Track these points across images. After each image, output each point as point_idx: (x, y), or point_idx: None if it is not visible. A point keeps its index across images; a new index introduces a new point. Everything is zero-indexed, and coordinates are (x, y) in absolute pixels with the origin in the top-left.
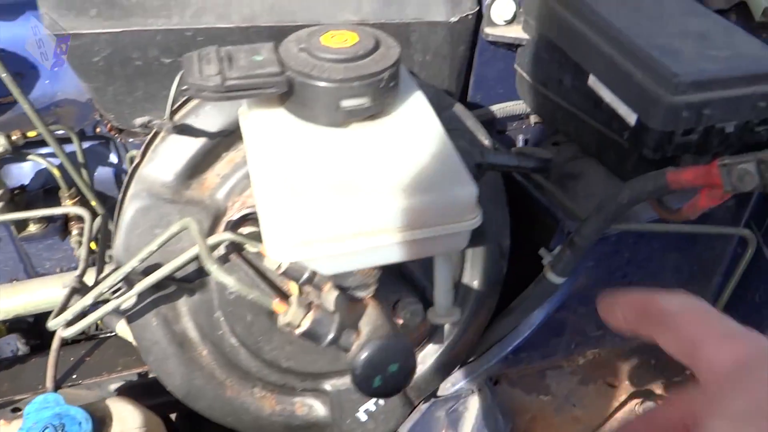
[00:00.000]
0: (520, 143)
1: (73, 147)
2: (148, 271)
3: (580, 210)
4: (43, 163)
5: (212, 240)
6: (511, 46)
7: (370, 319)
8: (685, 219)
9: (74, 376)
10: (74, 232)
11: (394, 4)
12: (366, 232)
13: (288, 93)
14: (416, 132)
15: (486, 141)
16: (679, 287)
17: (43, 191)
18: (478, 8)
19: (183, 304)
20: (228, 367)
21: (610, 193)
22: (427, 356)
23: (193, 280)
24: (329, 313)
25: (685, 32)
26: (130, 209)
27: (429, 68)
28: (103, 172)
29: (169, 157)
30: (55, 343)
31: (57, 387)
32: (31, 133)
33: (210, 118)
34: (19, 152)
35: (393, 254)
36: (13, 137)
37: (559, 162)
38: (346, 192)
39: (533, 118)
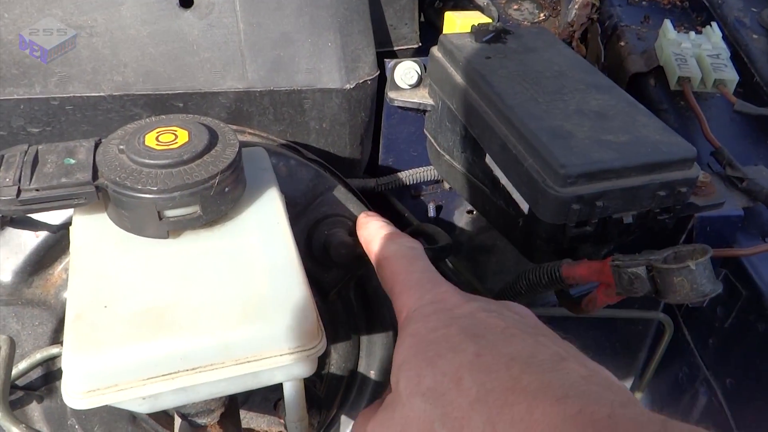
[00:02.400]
0: (431, 211)
1: None
2: None
3: (488, 290)
4: None
5: (25, 364)
6: (420, 111)
7: None
8: (584, 314)
9: None
10: None
11: (282, 70)
12: (178, 372)
13: (107, 199)
14: (257, 243)
15: None
16: (602, 364)
17: None
18: (377, 73)
19: (34, 410)
20: None
21: (508, 281)
22: None
23: (38, 386)
24: None
25: (583, 111)
26: None
27: (327, 136)
28: None
29: (3, 253)
30: None
31: None
32: None
33: None
34: None
35: (218, 390)
36: None
37: (472, 233)
38: (155, 328)
39: (447, 183)
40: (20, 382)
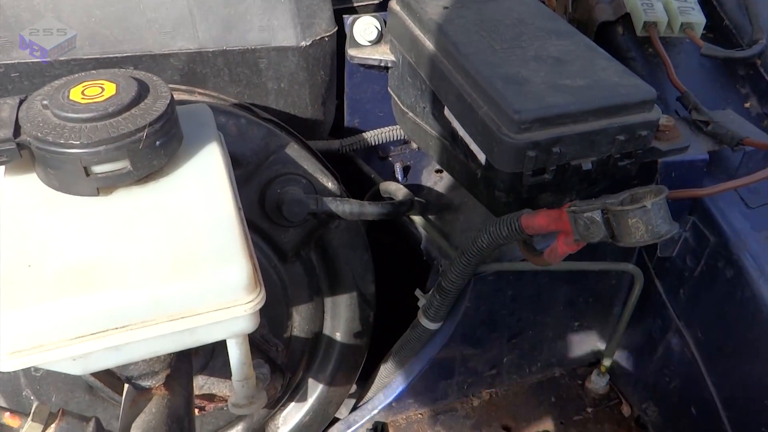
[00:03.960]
0: (398, 172)
1: None
2: None
3: (455, 248)
4: None
5: None
6: (382, 68)
7: (143, 420)
8: (547, 264)
9: None
10: None
11: (234, 29)
12: (107, 330)
13: (34, 158)
14: (193, 198)
15: (329, 184)
16: (575, 320)
17: None
18: (335, 29)
19: None
20: None
21: (470, 237)
22: (290, 416)
23: None
24: (80, 422)
25: (541, 57)
26: None
27: (287, 96)
28: None
29: None
30: None
31: None
32: None
33: None
34: None
35: (155, 349)
36: None
37: (440, 192)
38: (81, 285)
39: (414, 143)
40: None
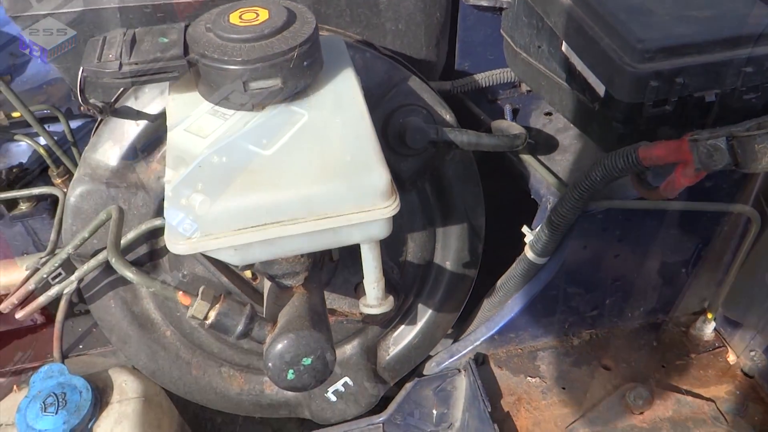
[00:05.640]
0: (507, 114)
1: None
2: (96, 254)
3: (564, 185)
4: (30, 143)
5: (132, 234)
6: (496, 10)
7: (288, 311)
8: (663, 198)
9: (81, 346)
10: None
11: None
12: (265, 224)
13: (197, 76)
14: (334, 115)
15: (447, 116)
16: (683, 267)
17: (40, 170)
18: None
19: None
20: (192, 347)
21: (583, 171)
22: (400, 337)
23: (145, 262)
24: (239, 305)
25: None
26: (73, 194)
27: (403, 37)
28: None
29: (109, 140)
30: (59, 315)
31: (64, 357)
32: (16, 114)
33: (150, 99)
34: (7, 132)
35: (302, 245)
36: None
37: (549, 134)
38: (243, 185)
39: (525, 86)
40: (129, 258)
